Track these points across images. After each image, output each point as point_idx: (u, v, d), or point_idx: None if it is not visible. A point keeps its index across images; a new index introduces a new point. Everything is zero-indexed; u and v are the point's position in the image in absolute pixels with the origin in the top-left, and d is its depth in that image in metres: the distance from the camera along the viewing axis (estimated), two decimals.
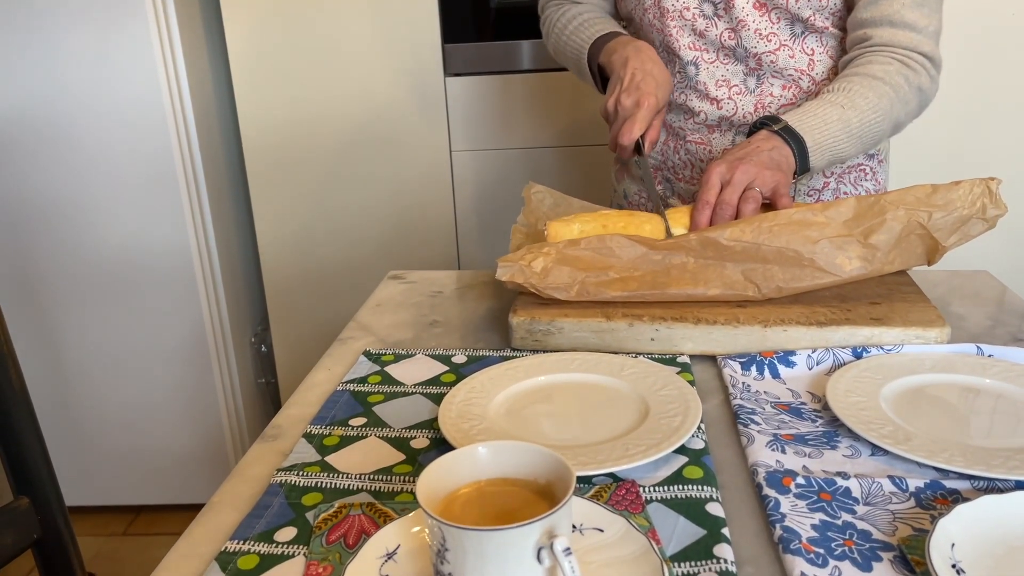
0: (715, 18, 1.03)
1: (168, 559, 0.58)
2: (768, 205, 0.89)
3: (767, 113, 1.05)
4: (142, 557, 1.85)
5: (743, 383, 0.76)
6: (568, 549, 0.44)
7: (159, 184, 1.78)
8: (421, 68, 1.82)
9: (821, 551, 0.54)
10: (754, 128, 0.95)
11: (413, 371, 0.83)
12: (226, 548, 0.58)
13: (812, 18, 1.00)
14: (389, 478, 0.65)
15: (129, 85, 1.72)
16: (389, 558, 0.54)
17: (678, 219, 0.91)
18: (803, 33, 1.02)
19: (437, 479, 0.50)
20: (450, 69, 1.82)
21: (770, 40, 1.02)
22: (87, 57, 1.70)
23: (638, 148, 0.98)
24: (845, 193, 1.10)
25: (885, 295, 0.85)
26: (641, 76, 0.97)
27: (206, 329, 1.89)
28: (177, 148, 1.77)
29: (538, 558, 0.46)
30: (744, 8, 1.01)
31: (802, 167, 0.92)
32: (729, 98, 1.06)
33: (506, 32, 1.79)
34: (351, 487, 0.64)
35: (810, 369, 0.78)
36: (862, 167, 1.09)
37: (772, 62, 1.03)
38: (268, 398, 2.14)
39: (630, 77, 0.97)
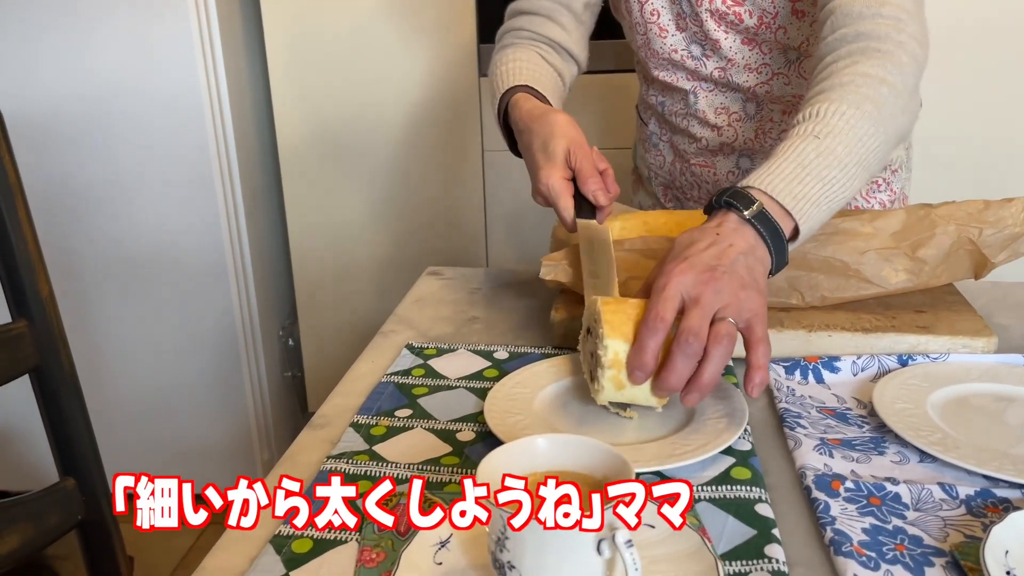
0: (704, 58, 1.01)
1: (223, 541, 0.59)
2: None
3: (754, 156, 0.99)
4: (169, 544, 1.88)
5: (787, 387, 0.76)
6: (630, 541, 0.45)
7: (194, 177, 1.81)
8: (456, 68, 1.83)
9: (873, 555, 0.54)
10: (715, 203, 0.72)
11: (456, 365, 0.84)
12: (280, 532, 0.58)
13: (804, 44, 0.97)
14: (437, 468, 0.66)
15: (167, 77, 1.74)
16: (443, 546, 0.55)
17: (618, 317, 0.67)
18: (798, 59, 0.99)
19: (495, 469, 0.51)
20: (485, 69, 1.83)
21: (761, 72, 1.00)
22: (126, 48, 1.72)
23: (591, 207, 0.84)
24: (856, 207, 1.07)
25: (930, 304, 0.85)
26: (531, 166, 0.87)
27: (235, 321, 1.91)
28: (213, 141, 1.79)
29: (598, 549, 0.46)
30: (732, 48, 0.99)
31: (779, 263, 0.70)
32: (729, 125, 1.04)
33: None
34: (400, 476, 0.65)
35: (855, 375, 0.78)
36: (874, 179, 1.06)
37: (767, 92, 1.01)
38: (294, 391, 2.15)
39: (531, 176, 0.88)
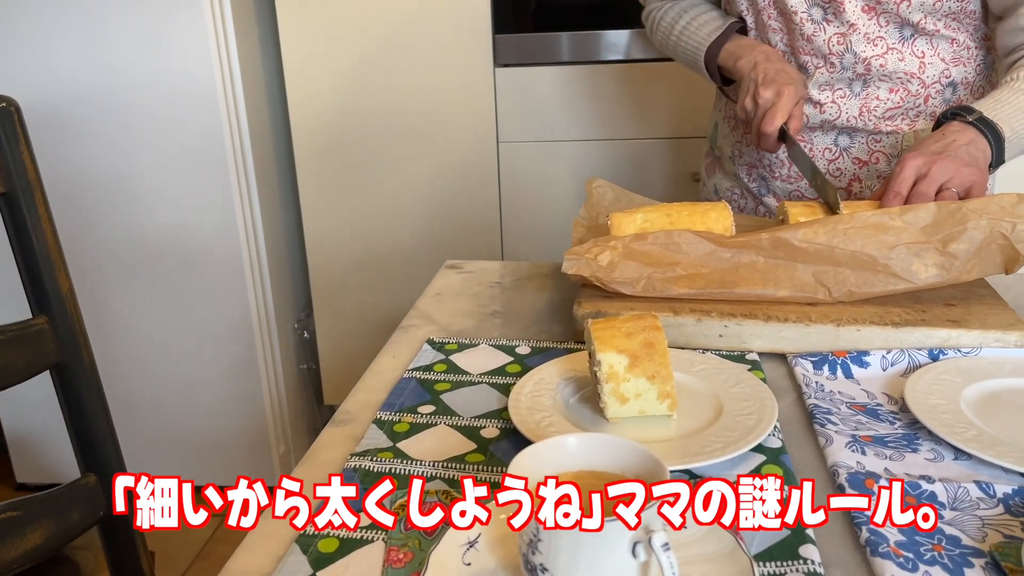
0: (824, 23, 1.01)
1: (248, 540, 0.58)
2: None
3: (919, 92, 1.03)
4: (187, 534, 1.88)
5: (816, 382, 0.75)
6: (667, 544, 0.44)
7: (209, 170, 1.80)
8: (471, 58, 1.81)
9: (911, 555, 0.53)
10: (943, 119, 0.92)
11: (478, 360, 0.83)
12: (306, 531, 0.58)
13: (923, 21, 0.98)
14: (462, 466, 0.65)
15: (181, 70, 1.73)
16: (471, 546, 0.54)
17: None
18: (912, 36, 1.00)
19: (525, 469, 0.50)
20: (500, 59, 1.82)
21: (877, 44, 1.00)
22: (139, 38, 1.71)
23: (783, 136, 0.98)
24: None
25: (960, 297, 0.83)
26: (774, 72, 1.00)
27: (251, 313, 1.91)
28: (228, 135, 1.78)
29: (633, 552, 0.45)
30: (854, 12, 0.99)
31: (997, 160, 0.89)
32: (832, 102, 1.05)
33: (558, 23, 1.78)
34: (425, 474, 0.64)
35: (884, 370, 0.76)
36: None
37: (881, 66, 1.01)
38: (309, 384, 2.15)
39: (763, 75, 1.00)
